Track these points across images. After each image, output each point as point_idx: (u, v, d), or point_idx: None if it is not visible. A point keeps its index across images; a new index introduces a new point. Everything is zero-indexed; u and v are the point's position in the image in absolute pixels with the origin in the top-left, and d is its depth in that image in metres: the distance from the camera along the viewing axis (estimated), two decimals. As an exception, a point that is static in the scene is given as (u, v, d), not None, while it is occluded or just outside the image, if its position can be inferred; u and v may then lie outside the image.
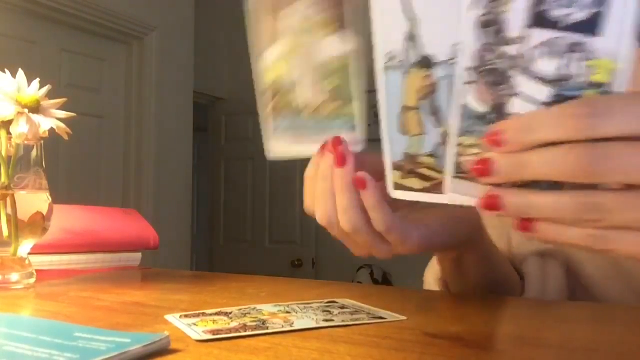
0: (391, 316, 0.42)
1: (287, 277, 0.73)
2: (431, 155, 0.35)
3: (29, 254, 0.64)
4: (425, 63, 0.34)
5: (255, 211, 3.88)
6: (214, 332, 0.36)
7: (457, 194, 0.34)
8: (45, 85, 0.64)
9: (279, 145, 0.45)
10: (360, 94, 0.41)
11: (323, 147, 0.43)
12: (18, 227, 0.61)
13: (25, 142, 0.63)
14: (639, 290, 0.55)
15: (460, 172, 0.34)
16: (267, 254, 3.77)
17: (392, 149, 0.37)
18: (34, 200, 0.64)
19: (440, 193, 0.35)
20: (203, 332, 0.36)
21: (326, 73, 0.42)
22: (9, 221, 0.61)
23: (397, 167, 0.37)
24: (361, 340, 0.36)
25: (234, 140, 4.00)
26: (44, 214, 0.64)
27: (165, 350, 0.32)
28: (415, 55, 0.34)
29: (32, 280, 0.63)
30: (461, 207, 0.47)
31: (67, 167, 2.68)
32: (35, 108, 0.62)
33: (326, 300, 0.48)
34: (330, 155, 0.42)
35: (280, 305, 0.46)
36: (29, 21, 2.56)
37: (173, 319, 0.41)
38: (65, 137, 0.64)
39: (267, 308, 0.44)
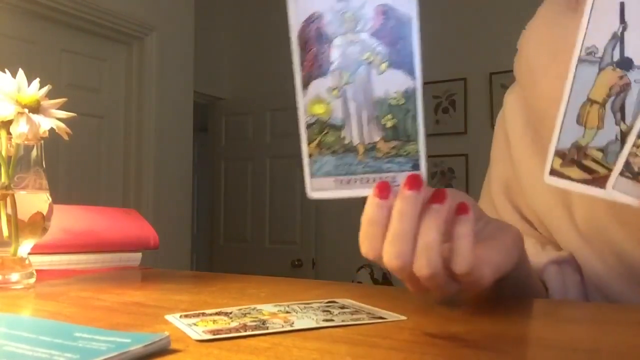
0: (391, 316, 0.42)
1: (287, 277, 0.73)
2: (601, 149, 0.37)
3: (29, 254, 0.64)
4: (625, 64, 0.36)
5: (255, 211, 3.88)
6: (214, 332, 0.36)
7: (618, 192, 0.36)
8: (45, 85, 0.64)
9: (324, 185, 0.41)
10: (423, 132, 0.39)
11: (382, 188, 0.40)
12: (18, 227, 0.61)
13: (25, 142, 0.63)
14: None
15: (628, 172, 0.36)
16: (267, 254, 3.77)
17: (561, 136, 0.38)
18: (34, 200, 0.64)
19: (599, 187, 0.37)
20: (203, 332, 0.36)
21: (384, 109, 0.40)
22: (9, 221, 0.61)
23: (559, 154, 0.38)
24: (361, 340, 0.36)
25: (234, 140, 4.00)
26: (44, 214, 0.64)
27: (165, 350, 0.32)
28: (617, 55, 0.37)
29: (32, 280, 0.63)
30: (511, 232, 0.48)
31: (67, 167, 2.68)
32: (35, 108, 0.62)
33: (326, 300, 0.48)
34: (408, 195, 0.39)
35: (280, 305, 0.45)
36: (29, 21, 2.57)
37: (173, 319, 0.41)
38: (65, 137, 0.64)
39: (267, 308, 0.44)
